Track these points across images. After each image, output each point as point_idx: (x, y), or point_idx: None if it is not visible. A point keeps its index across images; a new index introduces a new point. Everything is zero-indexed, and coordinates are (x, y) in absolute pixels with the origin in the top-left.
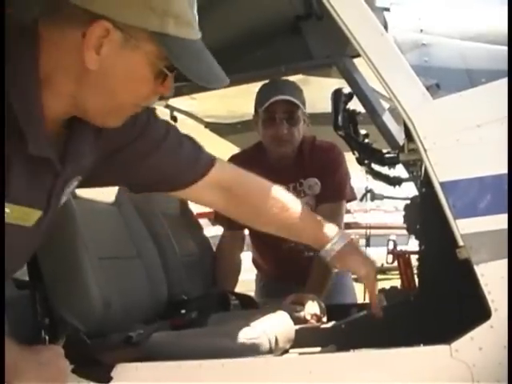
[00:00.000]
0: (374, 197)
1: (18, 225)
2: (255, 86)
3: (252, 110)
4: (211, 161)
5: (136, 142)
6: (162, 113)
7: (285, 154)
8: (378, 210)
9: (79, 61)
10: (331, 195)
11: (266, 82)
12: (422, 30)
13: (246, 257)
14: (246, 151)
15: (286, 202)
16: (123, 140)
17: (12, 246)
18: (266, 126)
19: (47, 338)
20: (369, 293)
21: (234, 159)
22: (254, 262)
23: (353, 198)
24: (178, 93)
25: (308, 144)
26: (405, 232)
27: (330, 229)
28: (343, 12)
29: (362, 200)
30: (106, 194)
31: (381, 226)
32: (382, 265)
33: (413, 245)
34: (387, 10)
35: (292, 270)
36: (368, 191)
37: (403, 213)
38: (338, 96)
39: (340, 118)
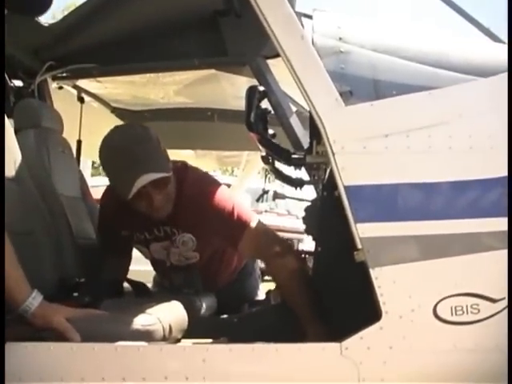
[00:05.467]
0: (277, 196)
1: None
2: (165, 76)
3: (160, 100)
4: None
5: None
6: (70, 93)
7: (164, 216)
8: (271, 213)
9: None
10: (236, 235)
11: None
12: (340, 38)
13: None
14: (114, 191)
15: (7, 245)
16: None
17: None
18: (137, 200)
19: None
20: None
21: (105, 196)
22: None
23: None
24: (87, 74)
25: (179, 191)
26: (296, 236)
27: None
28: (267, 11)
29: (258, 201)
30: (6, 169)
31: (274, 228)
32: None
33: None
34: (309, 16)
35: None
36: (265, 192)
37: (303, 214)
38: (252, 93)
39: (253, 115)
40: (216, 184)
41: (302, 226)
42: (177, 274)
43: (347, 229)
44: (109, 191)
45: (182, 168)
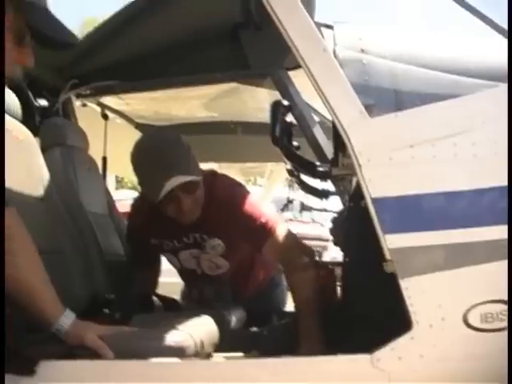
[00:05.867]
0: (304, 208)
1: None
2: (186, 91)
3: (183, 114)
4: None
5: None
6: (94, 110)
7: (192, 220)
8: (295, 221)
9: None
10: (261, 237)
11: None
12: (362, 50)
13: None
14: (143, 199)
15: (37, 261)
16: None
17: None
18: (167, 204)
19: None
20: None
21: (134, 205)
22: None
23: (277, 221)
24: (110, 91)
25: (206, 193)
26: (322, 243)
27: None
28: (287, 23)
29: (283, 210)
30: (34, 188)
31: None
32: None
33: (328, 256)
34: (330, 27)
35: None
36: (290, 201)
37: (330, 225)
38: (276, 108)
39: (278, 130)
40: (244, 189)
41: (326, 234)
42: (207, 285)
43: (375, 239)
44: (138, 201)
45: (211, 174)
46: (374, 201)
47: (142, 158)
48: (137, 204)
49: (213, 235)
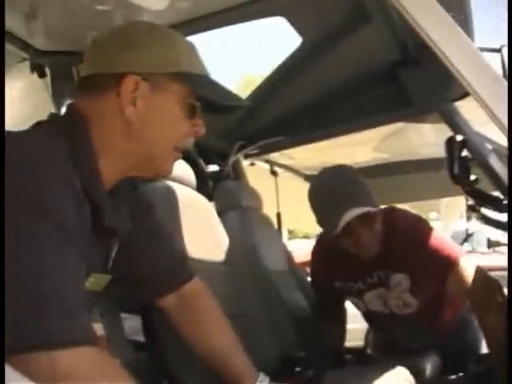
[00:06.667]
0: (491, 244)
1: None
2: (351, 137)
3: (347, 160)
4: (190, 276)
5: (141, 222)
6: (262, 167)
7: (372, 255)
8: (474, 252)
9: (121, 118)
10: (445, 269)
11: (320, 191)
12: None
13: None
14: (323, 242)
15: (227, 327)
16: (133, 215)
17: None
18: (345, 237)
19: None
20: None
21: (315, 251)
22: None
23: (459, 252)
24: (277, 148)
25: (388, 228)
26: (504, 274)
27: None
28: (453, 55)
29: (462, 244)
30: (216, 253)
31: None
32: None
33: None
34: (497, 50)
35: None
36: (469, 235)
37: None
38: (452, 144)
39: (456, 167)
40: (425, 221)
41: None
42: (397, 326)
43: None
44: (318, 245)
45: (392, 209)
46: None
47: (319, 193)
48: (317, 249)
49: (397, 270)
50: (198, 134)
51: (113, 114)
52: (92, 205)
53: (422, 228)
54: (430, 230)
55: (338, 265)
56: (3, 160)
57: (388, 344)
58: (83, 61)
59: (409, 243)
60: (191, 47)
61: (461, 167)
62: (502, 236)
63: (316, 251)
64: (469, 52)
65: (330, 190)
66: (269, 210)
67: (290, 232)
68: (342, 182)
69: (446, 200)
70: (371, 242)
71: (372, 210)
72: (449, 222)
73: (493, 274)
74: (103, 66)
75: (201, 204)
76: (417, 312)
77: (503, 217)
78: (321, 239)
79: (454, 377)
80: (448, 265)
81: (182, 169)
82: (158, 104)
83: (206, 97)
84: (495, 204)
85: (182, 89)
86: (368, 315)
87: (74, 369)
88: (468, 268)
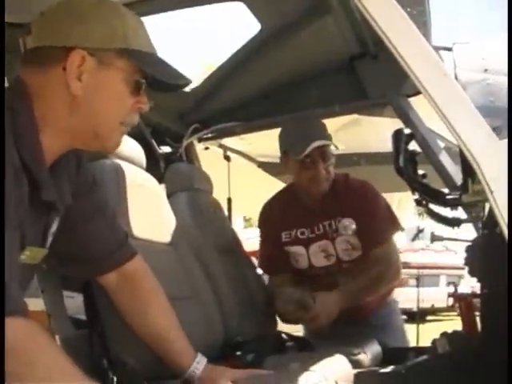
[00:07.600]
0: (435, 238)
1: (29, 264)
2: None
3: None
4: (132, 254)
5: (85, 199)
6: (216, 152)
7: (323, 192)
8: (428, 250)
9: (66, 92)
10: (380, 238)
11: (290, 124)
12: (486, 70)
13: None
14: (279, 196)
15: (167, 308)
16: (76, 190)
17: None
18: (303, 169)
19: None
20: None
21: (269, 205)
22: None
23: (399, 227)
24: (231, 133)
25: (341, 182)
26: (456, 272)
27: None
28: (405, 52)
29: (413, 240)
30: (162, 234)
31: (432, 265)
32: (433, 305)
33: (465, 286)
34: (449, 49)
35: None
36: (420, 231)
37: (464, 255)
38: (398, 137)
39: (401, 159)
40: (373, 186)
41: (461, 262)
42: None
43: None
44: (266, 204)
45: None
46: None
47: (291, 123)
48: (266, 207)
49: (344, 215)
50: (141, 110)
51: (58, 88)
52: (30, 178)
53: (371, 188)
54: (378, 193)
55: (287, 213)
56: (3, 158)
57: (328, 332)
58: (30, 33)
59: (357, 196)
60: (140, 24)
61: (407, 161)
62: (446, 231)
63: (265, 207)
64: (420, 48)
65: (301, 123)
66: (220, 195)
67: (247, 220)
68: (312, 119)
69: (398, 196)
70: (325, 177)
71: (331, 144)
72: (401, 218)
73: (448, 272)
74: (50, 39)
75: (149, 184)
76: (361, 258)
77: (450, 212)
78: (268, 202)
79: (392, 367)
80: (382, 238)
81: (132, 148)
82: (104, 79)
83: (151, 74)
84: (440, 198)
85: (128, 65)
86: (308, 273)
87: (5, 337)
88: (392, 251)
